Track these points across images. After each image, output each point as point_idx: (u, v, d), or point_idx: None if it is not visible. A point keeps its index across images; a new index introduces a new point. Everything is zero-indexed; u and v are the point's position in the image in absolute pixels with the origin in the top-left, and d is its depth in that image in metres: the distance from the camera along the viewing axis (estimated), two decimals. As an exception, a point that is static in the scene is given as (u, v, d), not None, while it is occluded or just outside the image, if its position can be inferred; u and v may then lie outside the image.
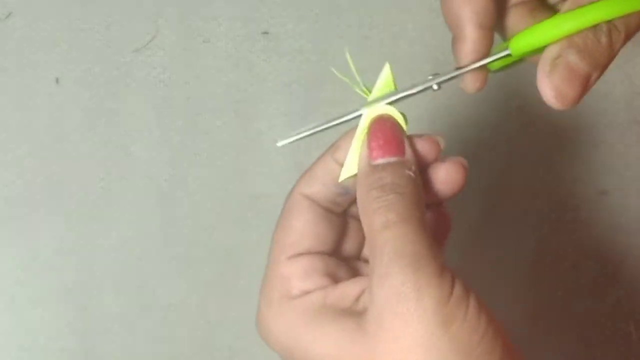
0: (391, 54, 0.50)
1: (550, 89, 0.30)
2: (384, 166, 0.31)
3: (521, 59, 0.34)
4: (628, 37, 0.30)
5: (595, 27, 0.30)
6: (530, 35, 0.31)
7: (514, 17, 0.34)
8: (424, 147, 0.32)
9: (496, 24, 0.33)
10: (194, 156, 0.50)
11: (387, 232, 0.29)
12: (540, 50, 0.31)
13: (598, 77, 0.30)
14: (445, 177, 0.32)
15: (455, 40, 0.33)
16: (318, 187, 0.33)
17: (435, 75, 0.33)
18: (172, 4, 0.50)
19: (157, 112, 0.50)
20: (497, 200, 0.50)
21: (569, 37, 0.30)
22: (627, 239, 0.50)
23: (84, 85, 0.50)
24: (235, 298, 0.50)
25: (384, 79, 0.33)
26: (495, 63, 0.33)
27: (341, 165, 0.32)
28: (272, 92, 0.50)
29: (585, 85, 0.30)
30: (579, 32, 0.30)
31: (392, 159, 0.31)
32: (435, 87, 0.33)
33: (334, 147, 0.33)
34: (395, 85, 0.33)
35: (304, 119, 0.50)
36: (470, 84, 0.33)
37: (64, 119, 0.50)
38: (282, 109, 0.50)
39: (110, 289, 0.50)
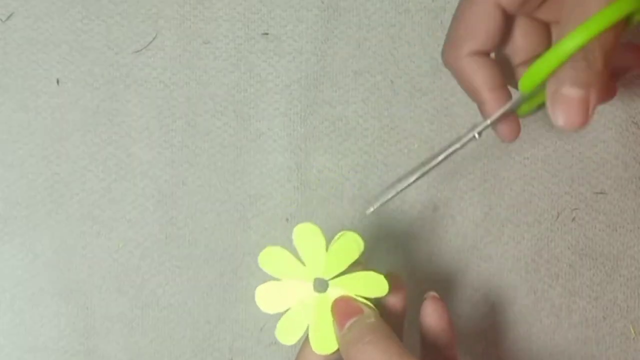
0: (390, 55, 0.50)
1: (559, 119, 0.33)
2: (349, 328, 0.37)
3: (542, 103, 0.37)
4: (606, 53, 0.33)
5: (572, 57, 0.33)
6: (528, 77, 0.35)
7: (521, 75, 0.39)
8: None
9: (510, 81, 0.39)
10: (194, 156, 0.50)
11: None
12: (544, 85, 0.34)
13: (598, 95, 0.33)
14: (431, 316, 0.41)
15: (478, 104, 0.39)
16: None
17: (474, 126, 0.38)
18: (173, 5, 0.50)
19: (158, 113, 0.50)
20: (494, 200, 0.50)
21: (558, 72, 0.33)
22: (624, 238, 0.50)
23: (85, 86, 0.50)
24: (235, 298, 0.50)
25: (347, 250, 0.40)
26: (523, 108, 0.39)
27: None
28: (272, 93, 0.50)
29: (586, 107, 0.33)
30: (564, 64, 0.33)
31: (353, 320, 0.37)
32: (476, 136, 0.39)
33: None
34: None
35: (304, 119, 0.50)
36: (507, 135, 0.39)
37: (64, 120, 0.50)
38: (282, 109, 0.50)
39: (110, 289, 0.50)
